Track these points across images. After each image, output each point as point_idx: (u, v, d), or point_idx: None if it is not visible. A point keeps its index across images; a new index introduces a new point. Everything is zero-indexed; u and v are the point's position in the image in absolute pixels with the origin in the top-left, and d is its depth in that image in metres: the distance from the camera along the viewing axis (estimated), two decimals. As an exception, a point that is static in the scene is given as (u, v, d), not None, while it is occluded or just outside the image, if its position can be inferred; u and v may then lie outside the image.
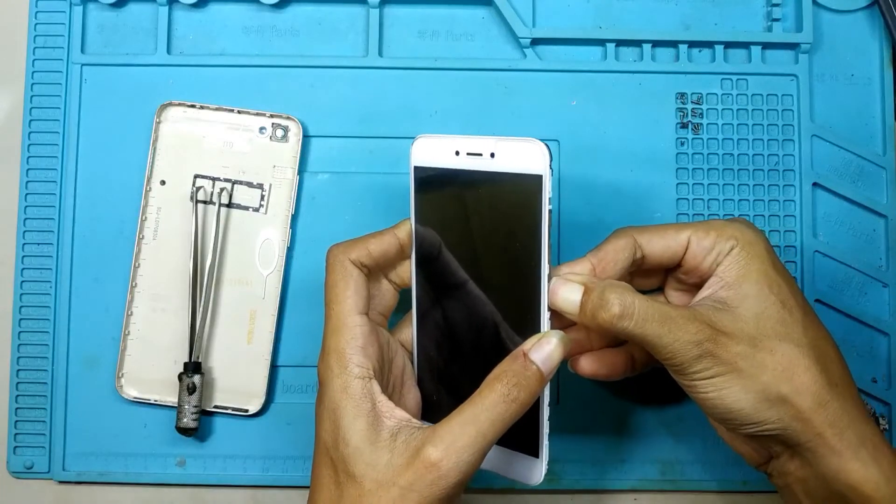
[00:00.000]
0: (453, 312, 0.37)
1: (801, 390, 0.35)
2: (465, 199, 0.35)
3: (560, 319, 0.36)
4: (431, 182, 0.36)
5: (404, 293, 0.39)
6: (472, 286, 0.35)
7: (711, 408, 0.36)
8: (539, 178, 0.33)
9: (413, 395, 0.39)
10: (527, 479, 0.35)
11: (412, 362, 0.39)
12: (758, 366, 0.35)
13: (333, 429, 0.34)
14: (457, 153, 0.35)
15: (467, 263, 0.36)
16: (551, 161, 0.33)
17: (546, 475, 0.45)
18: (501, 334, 0.35)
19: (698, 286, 0.38)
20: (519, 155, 0.33)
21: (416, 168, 0.37)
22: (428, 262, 0.37)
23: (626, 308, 0.34)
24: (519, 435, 0.35)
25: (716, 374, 0.35)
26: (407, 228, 0.37)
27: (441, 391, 0.38)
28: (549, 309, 0.34)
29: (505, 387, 0.33)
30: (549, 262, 0.33)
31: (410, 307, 0.39)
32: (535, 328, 0.34)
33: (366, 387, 0.35)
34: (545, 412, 0.35)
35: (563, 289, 0.35)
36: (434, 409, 0.38)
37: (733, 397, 0.35)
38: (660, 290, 0.41)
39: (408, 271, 0.38)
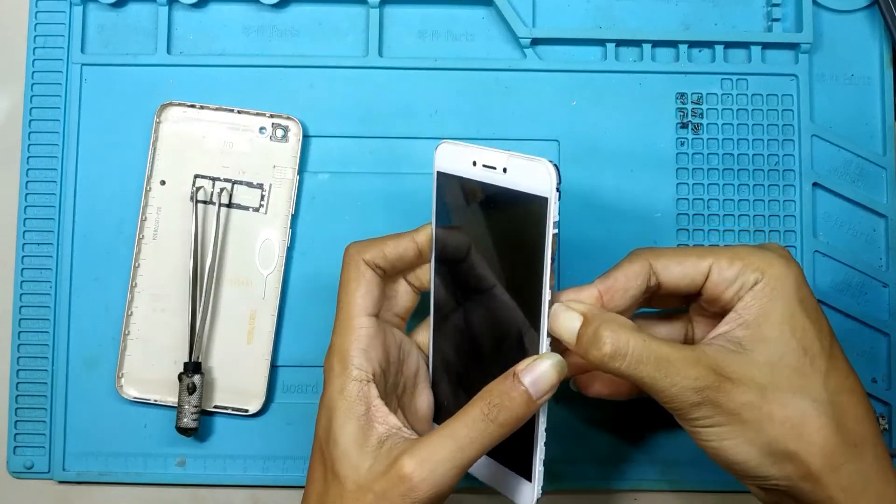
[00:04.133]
0: (475, 317, 0.36)
1: (812, 450, 0.32)
2: (481, 211, 0.35)
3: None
4: (451, 189, 0.36)
5: (425, 295, 0.39)
6: (500, 291, 0.34)
7: (713, 456, 0.34)
8: (545, 200, 0.31)
9: (425, 397, 0.39)
10: (519, 500, 0.35)
11: (427, 365, 0.39)
12: (764, 419, 0.32)
13: (327, 427, 0.35)
14: (474, 163, 0.34)
15: None
16: (559, 183, 0.31)
17: (546, 476, 0.45)
18: (525, 344, 0.34)
19: (721, 315, 0.35)
20: (527, 173, 0.32)
21: (438, 173, 0.36)
22: (454, 265, 0.36)
23: (619, 349, 0.32)
24: (514, 455, 0.35)
25: (716, 423, 0.32)
26: (427, 233, 0.37)
27: (459, 395, 0.38)
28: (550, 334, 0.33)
29: (487, 406, 0.32)
30: (551, 286, 0.32)
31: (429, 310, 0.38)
32: (535, 349, 0.33)
33: (362, 390, 0.35)
34: (540, 437, 0.34)
35: (562, 316, 0.33)
36: (447, 413, 0.38)
37: (735, 449, 0.33)
38: (685, 310, 0.39)
39: (427, 274, 0.38)
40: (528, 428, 0.33)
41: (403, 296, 0.39)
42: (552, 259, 0.32)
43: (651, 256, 0.35)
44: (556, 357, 0.33)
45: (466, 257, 0.35)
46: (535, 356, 0.33)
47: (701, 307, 0.37)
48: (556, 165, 0.31)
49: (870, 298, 0.47)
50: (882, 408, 0.46)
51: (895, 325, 0.47)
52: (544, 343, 0.33)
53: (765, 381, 0.32)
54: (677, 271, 0.35)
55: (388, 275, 0.37)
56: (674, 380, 0.32)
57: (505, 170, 0.33)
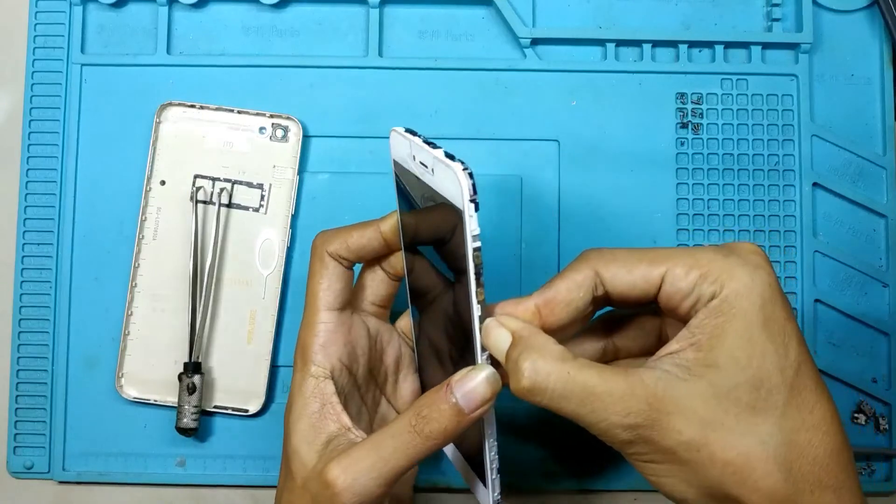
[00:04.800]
0: (450, 300, 0.35)
1: (755, 497, 0.28)
2: (426, 208, 0.33)
3: None
4: (405, 179, 0.34)
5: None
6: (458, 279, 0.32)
7: (654, 486, 0.31)
8: (460, 212, 0.29)
9: (410, 383, 0.39)
10: (482, 502, 0.35)
11: (413, 351, 0.39)
12: (704, 461, 0.28)
13: (286, 422, 0.35)
14: (413, 158, 0.32)
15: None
16: (474, 194, 0.28)
17: (546, 476, 0.45)
18: (468, 352, 0.33)
19: (686, 321, 0.30)
20: (447, 179, 0.29)
21: (394, 161, 0.35)
22: (441, 245, 0.35)
23: (538, 383, 0.29)
24: (476, 459, 0.34)
25: (652, 460, 0.29)
26: (391, 221, 0.36)
27: (443, 379, 0.37)
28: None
29: (414, 417, 0.31)
30: (479, 301, 0.30)
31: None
32: (472, 361, 0.32)
33: (318, 386, 0.35)
34: (489, 447, 0.32)
35: (493, 333, 0.31)
36: None
37: (672, 487, 0.29)
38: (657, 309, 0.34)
39: (400, 261, 0.37)
40: (480, 438, 0.33)
41: (380, 284, 0.38)
42: (476, 273, 0.29)
43: (599, 263, 0.31)
44: (489, 371, 0.31)
45: (451, 237, 0.33)
46: (470, 368, 0.31)
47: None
48: (469, 173, 0.28)
49: (870, 298, 0.47)
50: (882, 408, 0.46)
51: (895, 325, 0.47)
52: (479, 355, 0.32)
53: (708, 417, 0.28)
54: (625, 281, 0.31)
55: (366, 263, 0.37)
56: (600, 416, 0.29)
57: (433, 171, 0.30)
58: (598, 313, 0.35)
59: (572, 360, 0.30)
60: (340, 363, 0.36)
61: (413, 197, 0.34)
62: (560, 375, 0.29)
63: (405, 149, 0.33)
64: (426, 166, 0.31)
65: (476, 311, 0.30)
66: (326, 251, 0.36)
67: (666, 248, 0.32)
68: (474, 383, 0.31)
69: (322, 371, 0.35)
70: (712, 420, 0.28)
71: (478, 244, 0.29)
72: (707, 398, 0.28)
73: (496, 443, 0.33)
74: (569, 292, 0.31)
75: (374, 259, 0.38)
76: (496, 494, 0.33)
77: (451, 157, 0.29)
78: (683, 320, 0.30)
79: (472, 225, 0.29)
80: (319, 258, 0.36)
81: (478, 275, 0.30)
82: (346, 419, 0.34)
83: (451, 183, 0.29)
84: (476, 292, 0.30)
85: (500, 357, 0.31)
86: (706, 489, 0.29)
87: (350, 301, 0.37)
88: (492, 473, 0.33)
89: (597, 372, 0.29)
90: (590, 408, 0.29)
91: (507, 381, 0.31)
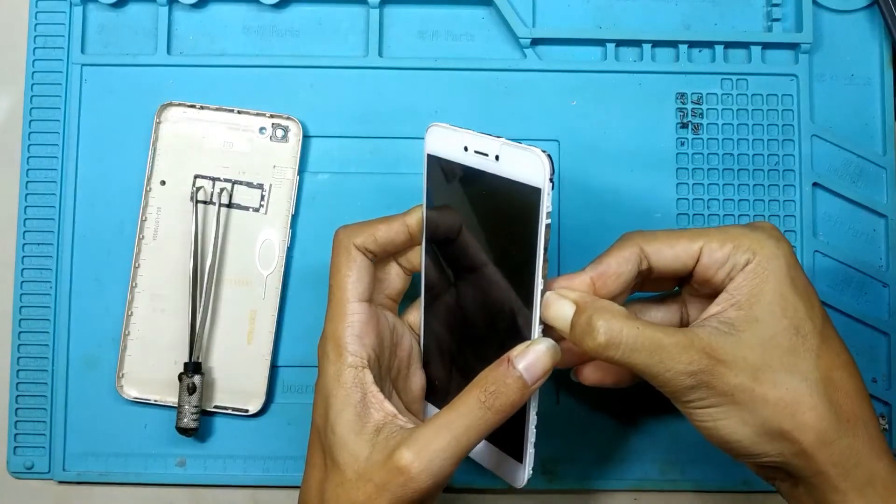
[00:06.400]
0: (467, 296, 0.36)
1: (804, 428, 0.32)
2: (472, 196, 0.35)
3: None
4: (442, 172, 0.36)
5: (417, 276, 0.39)
6: (491, 270, 0.34)
7: (708, 436, 0.34)
8: (538, 191, 0.31)
9: (419, 377, 0.39)
10: (511, 480, 0.35)
11: (420, 344, 0.40)
12: (757, 399, 0.32)
13: (324, 414, 0.35)
14: (465, 149, 0.34)
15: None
16: (553, 173, 0.31)
17: (546, 476, 0.45)
18: (518, 327, 0.34)
19: (714, 296, 0.35)
20: (520, 163, 0.32)
21: (428, 156, 0.36)
22: (445, 244, 0.36)
23: (613, 338, 0.32)
24: (507, 437, 0.35)
25: (711, 404, 0.33)
26: (418, 216, 0.37)
27: (452, 373, 0.38)
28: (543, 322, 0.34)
29: (483, 393, 0.33)
30: (543, 276, 0.32)
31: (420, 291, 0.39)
32: (528, 335, 0.34)
33: (358, 376, 0.35)
34: (531, 420, 0.34)
35: (555, 305, 0.34)
36: (439, 391, 0.39)
37: (729, 429, 0.33)
38: (678, 292, 0.39)
39: (418, 256, 0.38)
40: (520, 412, 0.34)
41: (395, 278, 0.39)
42: (545, 249, 0.32)
43: (642, 241, 0.35)
44: (550, 342, 0.33)
45: (458, 236, 0.35)
46: (529, 342, 0.33)
47: (693, 288, 0.37)
48: (549, 155, 0.31)
49: (870, 298, 0.47)
50: (882, 408, 0.46)
51: (895, 325, 0.47)
52: (536, 330, 0.33)
53: (757, 362, 0.33)
54: (668, 255, 0.35)
55: (379, 258, 0.38)
56: (668, 365, 0.32)
57: (497, 157, 0.33)
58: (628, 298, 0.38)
59: (637, 318, 0.33)
60: (374, 353, 0.36)
61: (450, 190, 0.35)
62: (631, 331, 0.32)
63: (453, 141, 0.35)
64: (486, 155, 0.33)
65: (539, 285, 0.32)
66: (353, 244, 0.36)
67: (697, 228, 0.39)
68: (536, 355, 0.33)
69: (360, 361, 0.35)
70: (761, 364, 0.33)
71: (549, 221, 0.32)
72: (753, 346, 0.33)
73: (537, 416, 0.34)
74: (619, 266, 0.35)
75: (389, 255, 0.38)
76: (529, 469, 0.34)
77: (517, 143, 0.32)
78: (716, 289, 0.34)
79: (547, 202, 0.31)
80: (346, 251, 0.36)
81: (545, 250, 0.32)
82: (389, 407, 0.35)
83: (523, 166, 0.32)
84: (541, 267, 0.32)
85: (563, 326, 0.33)
86: (760, 427, 0.33)
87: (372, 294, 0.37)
88: (529, 447, 0.34)
89: (660, 328, 0.33)
90: (658, 358, 0.32)
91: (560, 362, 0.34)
